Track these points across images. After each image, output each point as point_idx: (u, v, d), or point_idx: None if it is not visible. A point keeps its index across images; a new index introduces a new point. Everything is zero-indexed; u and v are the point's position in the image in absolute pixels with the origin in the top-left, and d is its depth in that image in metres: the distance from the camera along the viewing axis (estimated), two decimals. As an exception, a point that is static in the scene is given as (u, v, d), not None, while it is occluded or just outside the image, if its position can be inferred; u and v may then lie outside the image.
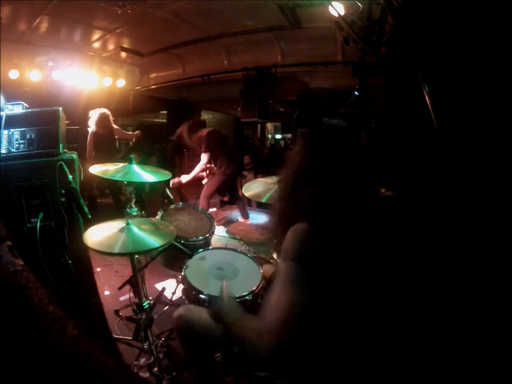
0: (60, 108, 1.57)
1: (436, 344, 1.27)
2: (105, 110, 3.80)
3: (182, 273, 1.65)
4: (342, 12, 2.47)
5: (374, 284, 0.94)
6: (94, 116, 3.73)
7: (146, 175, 1.65)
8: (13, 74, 4.09)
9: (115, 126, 3.95)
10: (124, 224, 1.48)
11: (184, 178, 3.61)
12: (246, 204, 4.31)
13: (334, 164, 0.91)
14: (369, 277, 0.93)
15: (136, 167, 1.66)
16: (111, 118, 3.89)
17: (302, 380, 0.92)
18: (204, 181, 3.86)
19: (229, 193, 4.25)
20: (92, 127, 3.73)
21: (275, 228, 1.02)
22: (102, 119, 3.74)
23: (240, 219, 4.15)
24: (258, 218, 4.18)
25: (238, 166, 4.06)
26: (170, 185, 3.41)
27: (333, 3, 2.45)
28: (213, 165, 3.83)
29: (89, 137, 3.75)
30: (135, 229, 1.47)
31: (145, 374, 1.61)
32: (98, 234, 1.42)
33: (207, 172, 3.84)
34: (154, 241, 1.43)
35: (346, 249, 0.87)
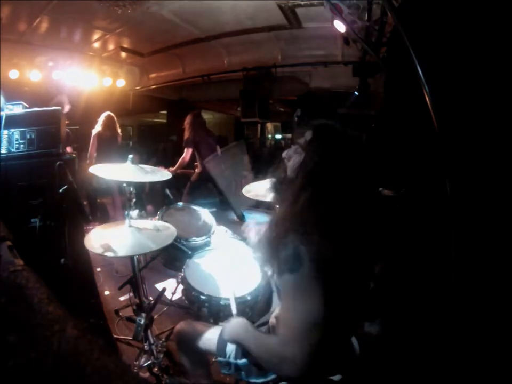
0: (60, 108, 1.58)
1: (436, 344, 1.27)
2: (112, 114, 3.87)
3: (182, 274, 1.65)
4: (343, 30, 2.47)
5: (373, 285, 0.94)
6: (101, 117, 3.79)
7: (146, 175, 1.65)
8: (13, 74, 4.09)
9: (119, 131, 3.98)
10: (125, 227, 1.48)
11: (170, 170, 3.70)
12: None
13: (333, 169, 0.88)
14: (369, 279, 0.94)
15: (136, 167, 1.65)
16: (117, 123, 3.92)
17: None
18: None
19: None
20: (97, 127, 3.75)
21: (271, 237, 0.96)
22: (108, 120, 3.79)
23: (235, 219, 4.14)
24: (258, 218, 4.17)
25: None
26: None
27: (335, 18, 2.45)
28: (197, 163, 3.90)
29: (92, 138, 3.75)
30: (135, 232, 1.47)
31: (145, 374, 1.61)
32: (99, 237, 1.42)
33: (196, 168, 3.91)
34: (155, 243, 1.43)
35: (344, 253, 0.85)
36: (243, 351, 1.05)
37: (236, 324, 1.05)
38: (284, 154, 1.00)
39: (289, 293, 0.83)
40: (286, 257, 0.83)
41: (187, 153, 3.77)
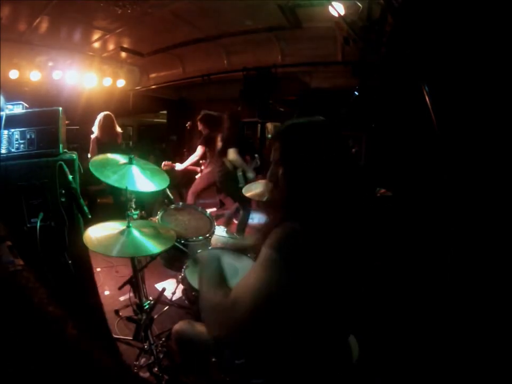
0: (60, 108, 1.57)
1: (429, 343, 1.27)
2: (108, 113, 3.70)
3: (182, 274, 1.65)
4: (342, 12, 2.47)
5: (359, 284, 0.94)
6: (97, 119, 3.64)
7: (144, 181, 1.59)
8: (13, 74, 4.08)
9: (119, 130, 3.84)
10: (125, 227, 1.48)
11: (178, 166, 3.73)
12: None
13: (313, 164, 0.88)
14: (355, 278, 0.93)
15: (136, 170, 1.61)
16: (115, 122, 3.76)
17: None
18: (197, 176, 3.91)
19: (221, 194, 4.21)
20: (95, 131, 3.64)
21: (264, 229, 0.97)
22: (105, 121, 3.65)
23: (235, 220, 4.12)
24: (258, 218, 4.17)
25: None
26: (162, 166, 3.60)
27: (333, 3, 2.45)
28: (203, 161, 3.87)
29: (91, 143, 3.64)
30: (135, 232, 1.47)
31: (145, 374, 1.61)
32: (99, 235, 1.42)
33: (202, 167, 3.88)
34: (154, 245, 1.43)
35: (332, 250, 0.85)
36: (241, 351, 1.04)
37: (213, 255, 1.04)
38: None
39: (261, 261, 0.81)
40: (281, 237, 0.81)
41: (198, 152, 3.75)
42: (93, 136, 3.65)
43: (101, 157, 1.62)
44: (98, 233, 1.43)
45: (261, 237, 0.93)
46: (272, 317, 0.79)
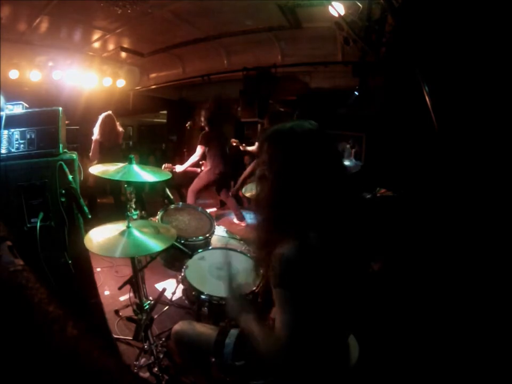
0: (60, 108, 1.57)
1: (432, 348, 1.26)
2: (109, 113, 3.66)
3: (182, 274, 1.65)
4: (342, 12, 2.47)
5: (362, 290, 0.95)
6: (99, 120, 3.59)
7: (146, 175, 1.65)
8: (13, 74, 4.09)
9: (120, 129, 3.80)
10: (125, 228, 1.48)
11: (178, 168, 3.73)
12: (244, 205, 4.31)
13: (307, 173, 0.89)
14: (357, 284, 0.94)
15: (136, 167, 1.65)
16: (116, 122, 3.72)
17: None
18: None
19: (221, 193, 4.21)
20: (95, 134, 3.58)
21: (260, 245, 1.01)
22: (107, 123, 3.60)
23: (235, 220, 4.12)
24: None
25: (231, 169, 4.07)
26: (162, 169, 3.58)
27: (333, 3, 2.45)
28: (204, 162, 3.87)
29: (93, 144, 3.60)
30: (136, 232, 1.47)
31: (145, 374, 1.61)
32: (99, 238, 1.42)
33: (202, 168, 3.89)
34: (155, 244, 1.43)
35: (330, 255, 0.86)
36: (241, 352, 1.04)
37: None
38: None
39: (280, 304, 0.86)
40: (277, 270, 0.85)
41: (198, 152, 3.75)
42: (94, 138, 3.62)
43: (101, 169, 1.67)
44: (100, 236, 1.44)
45: (264, 257, 0.95)
46: (310, 339, 0.84)
